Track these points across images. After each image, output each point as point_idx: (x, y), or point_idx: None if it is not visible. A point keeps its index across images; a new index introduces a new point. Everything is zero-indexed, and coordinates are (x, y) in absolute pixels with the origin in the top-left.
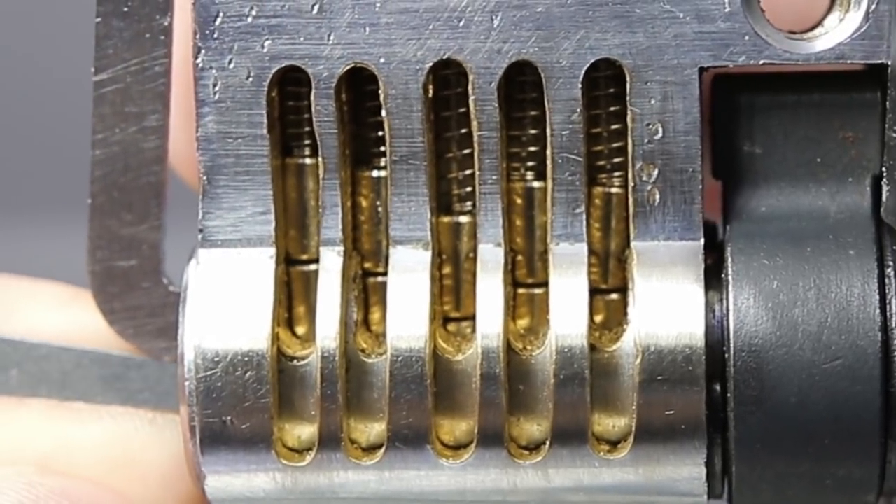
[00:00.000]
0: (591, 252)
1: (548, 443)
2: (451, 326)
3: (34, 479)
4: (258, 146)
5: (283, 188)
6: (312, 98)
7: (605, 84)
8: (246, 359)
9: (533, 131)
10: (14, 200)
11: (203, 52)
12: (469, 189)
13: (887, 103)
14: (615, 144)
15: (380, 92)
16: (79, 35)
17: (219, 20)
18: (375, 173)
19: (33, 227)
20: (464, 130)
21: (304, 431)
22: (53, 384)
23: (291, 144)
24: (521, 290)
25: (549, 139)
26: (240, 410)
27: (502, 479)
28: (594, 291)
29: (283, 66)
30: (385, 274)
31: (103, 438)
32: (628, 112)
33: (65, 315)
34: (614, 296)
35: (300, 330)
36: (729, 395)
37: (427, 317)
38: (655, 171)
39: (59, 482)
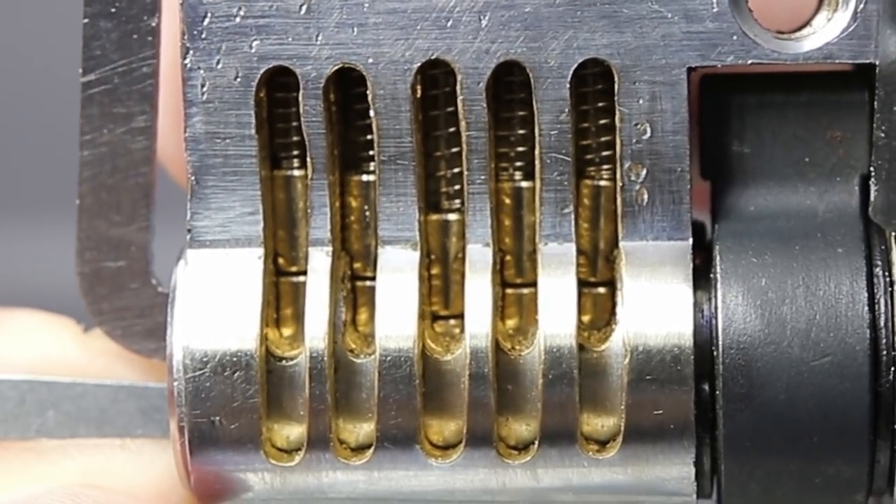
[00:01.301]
0: (580, 252)
1: (536, 443)
2: (440, 327)
3: (78, 491)
4: (246, 147)
5: (272, 192)
6: (300, 98)
7: (594, 80)
8: (234, 359)
9: (521, 131)
10: (5, 200)
11: (191, 52)
12: (457, 187)
13: (875, 103)
14: (603, 138)
15: (368, 92)
16: (67, 35)
17: (207, 20)
18: (364, 174)
19: (25, 227)
20: (452, 129)
21: (292, 432)
22: (91, 422)
23: (280, 155)
24: (509, 290)
25: (537, 139)
26: (228, 411)
27: (491, 478)
28: (582, 291)
29: (271, 66)
30: (373, 274)
31: (81, 474)
32: (616, 112)
33: (37, 345)
34: (603, 296)
35: (288, 330)
36: (717, 392)
37: (415, 317)
38: (644, 171)
39: (102, 496)
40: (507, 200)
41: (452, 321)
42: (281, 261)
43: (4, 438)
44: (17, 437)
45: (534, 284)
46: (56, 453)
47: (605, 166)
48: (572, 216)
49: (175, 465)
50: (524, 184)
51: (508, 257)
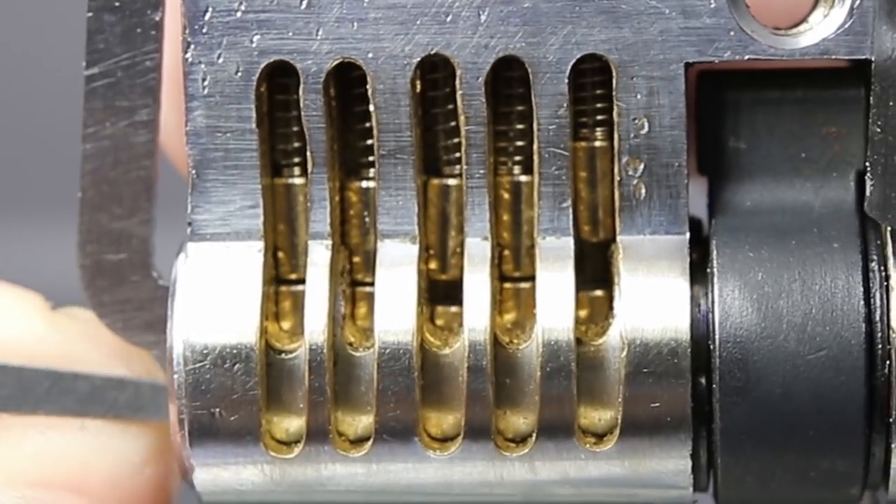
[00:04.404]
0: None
1: (534, 435)
2: (439, 320)
3: (27, 493)
4: (247, 141)
5: (272, 186)
6: (301, 93)
7: (591, 59)
8: (234, 352)
9: (520, 126)
10: (4, 196)
11: (192, 46)
12: (457, 154)
13: (871, 99)
14: (599, 105)
15: (368, 87)
16: (71, 29)
17: (208, 15)
18: (363, 168)
19: (25, 225)
20: (451, 106)
21: (292, 424)
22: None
23: (281, 151)
24: (507, 285)
25: (535, 134)
26: (228, 403)
27: (489, 471)
28: (580, 284)
29: (271, 60)
30: (373, 269)
31: (39, 455)
32: (614, 107)
33: (3, 320)
34: (600, 290)
35: (288, 324)
36: (714, 386)
37: (414, 311)
38: (641, 166)
39: (51, 497)
40: (506, 195)
41: (451, 315)
42: (281, 254)
43: None
44: None
45: (532, 278)
46: (16, 433)
47: (599, 129)
48: (570, 210)
49: (175, 457)
50: (523, 178)
51: (507, 251)
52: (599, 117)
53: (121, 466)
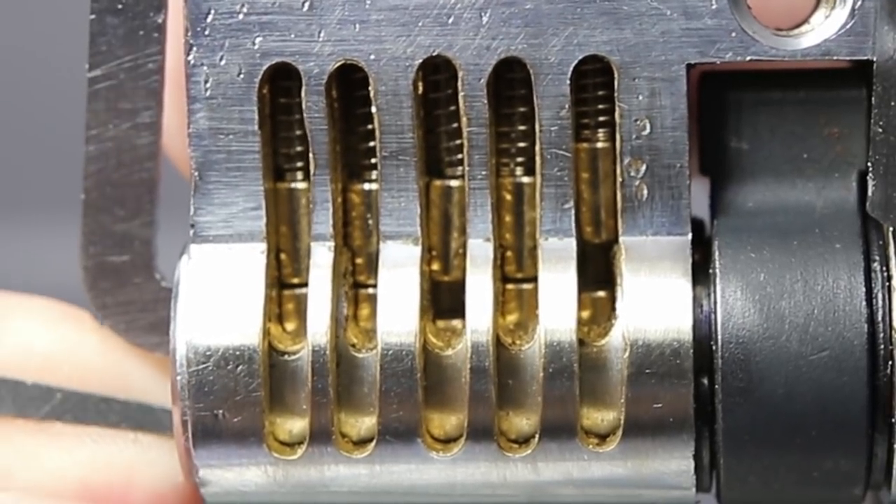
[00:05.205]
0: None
1: (537, 436)
2: (441, 322)
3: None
4: (249, 142)
5: (275, 188)
6: (303, 95)
7: (592, 61)
8: (237, 353)
9: (522, 127)
10: (6, 198)
11: (194, 48)
12: (459, 156)
13: (872, 99)
14: (601, 106)
15: (370, 89)
16: (74, 31)
17: (210, 17)
18: (366, 170)
19: (28, 226)
20: (453, 108)
21: (295, 425)
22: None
23: (283, 153)
24: (509, 286)
25: (537, 135)
26: (231, 404)
27: (492, 472)
28: (582, 285)
29: (273, 62)
30: (375, 271)
31: (89, 463)
32: (616, 108)
33: (54, 332)
34: (602, 291)
35: (291, 325)
36: (716, 386)
37: (417, 312)
38: (643, 167)
39: None
40: (508, 196)
41: (454, 316)
42: (283, 256)
43: (19, 416)
44: (34, 416)
45: (534, 279)
46: (70, 439)
47: (601, 130)
48: (572, 211)
49: (178, 459)
50: (525, 179)
51: (509, 252)
52: (601, 118)
53: (167, 481)
